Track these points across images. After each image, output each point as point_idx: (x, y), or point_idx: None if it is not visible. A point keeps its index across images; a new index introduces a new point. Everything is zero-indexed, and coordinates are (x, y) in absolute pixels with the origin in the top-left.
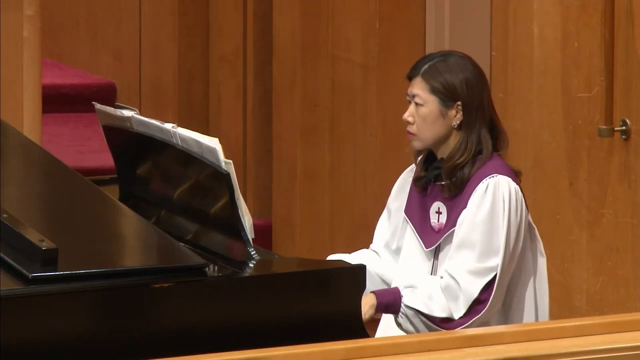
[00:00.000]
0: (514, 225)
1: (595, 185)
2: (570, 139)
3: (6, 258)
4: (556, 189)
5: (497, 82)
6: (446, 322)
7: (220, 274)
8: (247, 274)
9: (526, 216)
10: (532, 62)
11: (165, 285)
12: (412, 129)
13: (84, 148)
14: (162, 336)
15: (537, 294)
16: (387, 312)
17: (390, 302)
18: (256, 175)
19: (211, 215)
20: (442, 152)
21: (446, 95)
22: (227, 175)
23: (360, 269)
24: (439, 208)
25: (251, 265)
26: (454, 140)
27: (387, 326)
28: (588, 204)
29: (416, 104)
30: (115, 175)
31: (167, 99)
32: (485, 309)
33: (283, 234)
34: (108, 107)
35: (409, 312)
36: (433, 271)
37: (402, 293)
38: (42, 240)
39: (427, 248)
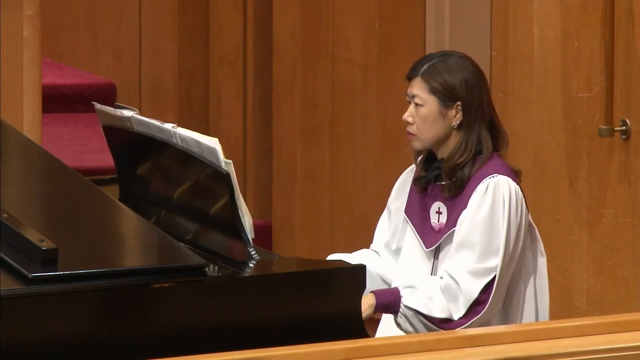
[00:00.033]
0: (514, 225)
1: (595, 185)
2: (570, 139)
3: (6, 258)
4: (556, 189)
5: (497, 82)
6: (445, 323)
7: (220, 274)
8: (247, 274)
9: (526, 216)
10: (532, 62)
11: (165, 285)
12: (412, 129)
13: (84, 148)
14: (162, 336)
15: (537, 293)
16: (386, 312)
17: (389, 302)
18: (256, 175)
19: (211, 215)
20: (442, 152)
21: (446, 96)
22: (227, 175)
23: (360, 269)
24: (439, 208)
25: (251, 265)
26: (454, 140)
27: (387, 326)
28: (588, 204)
29: (416, 104)
30: (115, 175)
31: (167, 99)
32: (485, 309)
33: (283, 234)
34: (108, 107)
35: (409, 313)
36: (433, 271)
37: (402, 293)
38: (42, 240)
39: (427, 248)
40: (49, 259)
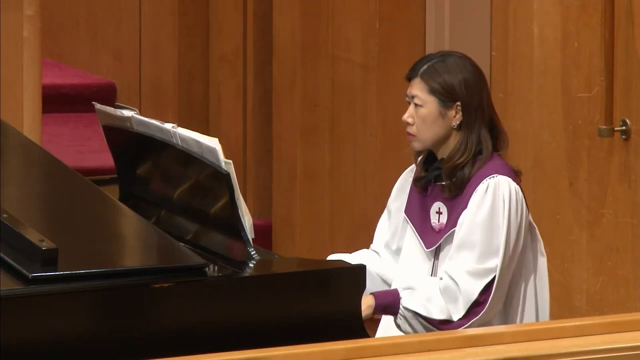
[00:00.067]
0: (514, 225)
1: (595, 185)
2: (570, 139)
3: (6, 258)
4: (556, 189)
5: (497, 82)
6: (445, 324)
7: (220, 274)
8: (247, 274)
9: (526, 216)
10: (532, 62)
11: (165, 285)
12: (411, 129)
13: (84, 148)
14: (162, 336)
15: (537, 293)
16: (385, 313)
17: (389, 303)
18: (256, 175)
19: (211, 215)
20: (442, 153)
21: (445, 96)
22: (227, 175)
23: (360, 269)
24: (439, 208)
25: (251, 265)
26: (453, 140)
27: (387, 326)
28: (588, 204)
29: (415, 104)
30: (115, 175)
31: (167, 99)
32: (484, 310)
33: (283, 234)
34: (108, 107)
35: (408, 314)
36: (433, 271)
37: (401, 295)
38: (42, 240)
39: (427, 248)
40: (49, 259)
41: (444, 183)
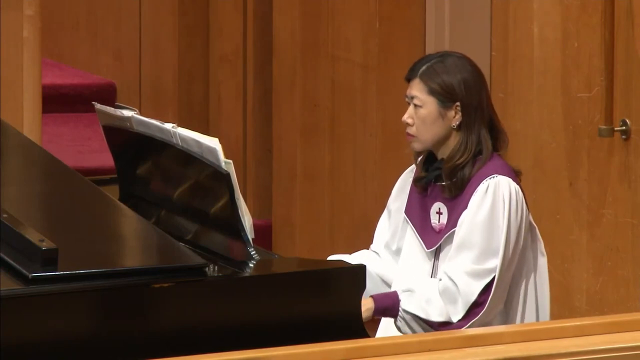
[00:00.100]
0: (514, 226)
1: (595, 185)
2: (570, 139)
3: (6, 258)
4: (556, 189)
5: (497, 82)
6: (444, 326)
7: (220, 274)
8: (247, 274)
9: (527, 216)
10: (532, 62)
11: (165, 285)
12: (411, 130)
13: (84, 148)
14: (162, 336)
15: (537, 293)
16: (385, 315)
17: (388, 306)
18: (256, 175)
19: (211, 215)
20: (442, 153)
21: (444, 96)
22: (227, 175)
23: (360, 269)
24: (439, 208)
25: (251, 265)
26: (453, 140)
27: (387, 326)
28: (588, 204)
29: (415, 105)
30: (115, 175)
31: (167, 99)
32: (484, 311)
33: (283, 234)
34: (108, 107)
35: (407, 317)
36: (434, 272)
37: (400, 297)
38: (42, 240)
39: (428, 249)
40: (49, 259)
41: (444, 183)
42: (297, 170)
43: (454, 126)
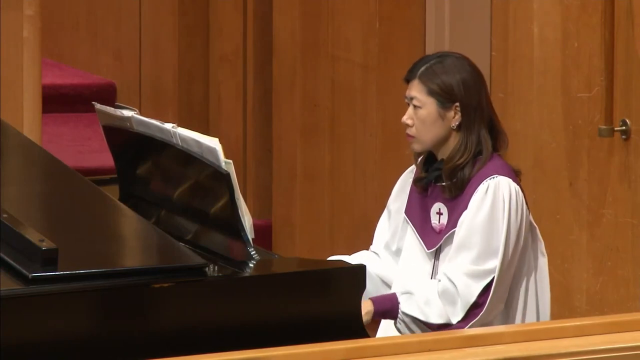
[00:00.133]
0: (514, 227)
1: (595, 185)
2: (570, 139)
3: (6, 258)
4: (556, 189)
5: (497, 82)
6: (444, 328)
7: (220, 274)
8: (247, 274)
9: (527, 217)
10: (532, 62)
11: (165, 285)
12: (411, 131)
13: (84, 148)
14: (162, 336)
15: (538, 294)
16: (384, 318)
17: (387, 309)
18: (256, 175)
19: (211, 215)
20: (442, 153)
21: (444, 97)
22: (227, 175)
23: (360, 269)
24: (439, 209)
25: (251, 265)
26: (453, 141)
27: (387, 327)
28: (588, 204)
29: (414, 106)
30: (115, 175)
31: (167, 99)
32: (483, 312)
33: (283, 234)
34: (108, 107)
35: (406, 319)
36: (434, 272)
37: (399, 299)
38: (42, 240)
39: (428, 249)
40: (49, 259)
41: (444, 184)
42: (297, 170)
43: (453, 127)
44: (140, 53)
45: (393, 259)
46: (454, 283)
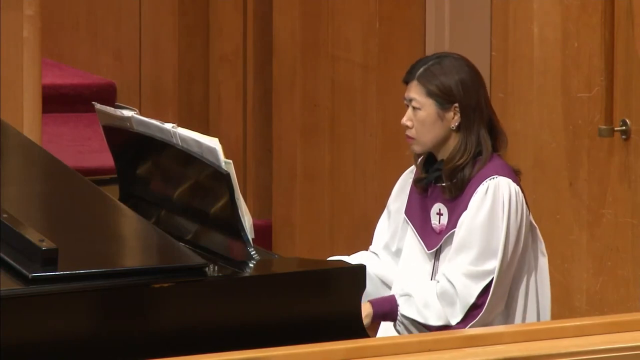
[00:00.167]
0: (514, 227)
1: (595, 185)
2: (570, 139)
3: (6, 258)
4: (556, 189)
5: (497, 82)
6: (443, 329)
7: (220, 274)
8: (247, 274)
9: (527, 217)
10: (532, 62)
11: (165, 285)
12: (411, 133)
13: (84, 148)
14: (162, 336)
15: (539, 294)
16: (384, 320)
17: (386, 311)
18: (256, 175)
19: (211, 215)
20: (442, 154)
21: (443, 98)
22: (227, 175)
23: (360, 269)
24: (439, 209)
25: (251, 265)
26: (453, 142)
27: (387, 327)
28: (588, 204)
29: (413, 108)
30: (115, 175)
31: (167, 99)
32: (482, 313)
33: (283, 234)
34: (108, 107)
35: (406, 322)
36: (434, 273)
37: (398, 302)
38: (42, 240)
39: (428, 250)
40: (49, 259)
41: (444, 184)
42: (297, 170)
43: (453, 127)
44: (140, 53)
45: (393, 260)
46: (452, 284)
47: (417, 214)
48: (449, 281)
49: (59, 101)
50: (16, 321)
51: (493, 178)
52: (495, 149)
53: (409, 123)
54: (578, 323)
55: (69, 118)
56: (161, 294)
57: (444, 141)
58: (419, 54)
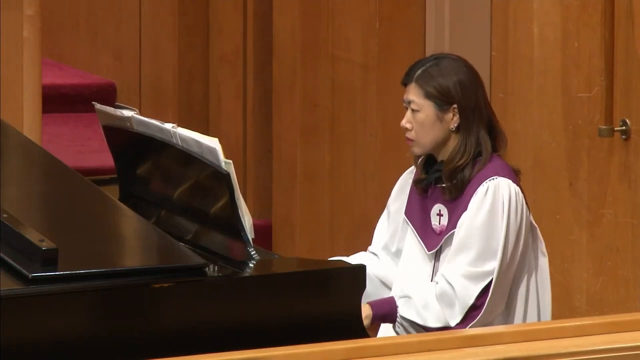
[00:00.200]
0: (514, 228)
1: (595, 185)
2: (570, 139)
3: (6, 258)
4: (556, 189)
5: (497, 82)
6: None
7: (220, 274)
8: (247, 274)
9: (527, 218)
10: (532, 62)
11: (165, 285)
12: (410, 135)
13: (84, 148)
14: (162, 336)
15: (539, 294)
16: (383, 321)
17: (385, 312)
18: (256, 175)
19: (211, 215)
20: (442, 155)
21: (441, 99)
22: (227, 175)
23: (360, 269)
24: (439, 210)
25: (251, 265)
26: (453, 142)
27: (387, 327)
28: (588, 204)
29: (412, 110)
30: (115, 175)
31: (167, 99)
32: (481, 314)
33: (283, 234)
34: (108, 107)
35: (405, 323)
36: (434, 273)
37: (398, 303)
38: (42, 240)
39: (429, 251)
40: (49, 259)
41: (444, 185)
42: (297, 170)
43: (452, 128)
44: (140, 53)
45: (392, 260)
46: (452, 285)
47: (417, 215)
48: (448, 282)
49: (59, 101)
50: (16, 321)
51: (493, 179)
52: (494, 149)
53: (408, 125)
54: (578, 323)
55: (69, 118)
56: (161, 294)
57: (443, 142)
58: (419, 54)
